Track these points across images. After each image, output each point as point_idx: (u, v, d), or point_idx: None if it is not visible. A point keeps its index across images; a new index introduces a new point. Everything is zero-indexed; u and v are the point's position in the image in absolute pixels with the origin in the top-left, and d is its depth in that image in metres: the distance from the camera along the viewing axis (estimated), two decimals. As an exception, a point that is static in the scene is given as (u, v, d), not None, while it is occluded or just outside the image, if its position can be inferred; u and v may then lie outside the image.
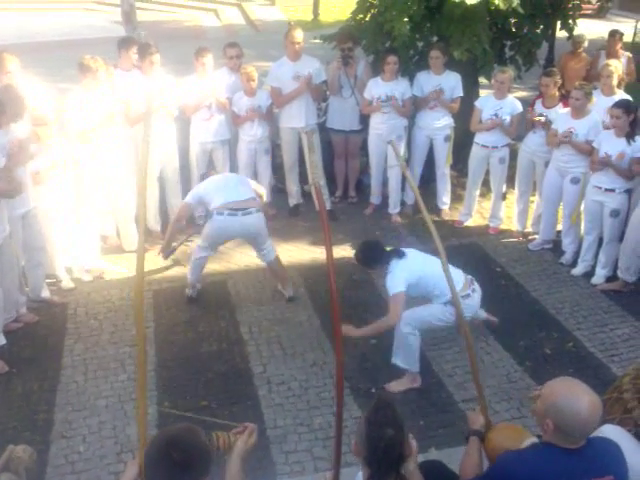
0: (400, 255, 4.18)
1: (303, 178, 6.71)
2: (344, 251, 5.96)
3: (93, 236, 5.60)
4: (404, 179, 6.69)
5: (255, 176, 6.57)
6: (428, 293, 4.18)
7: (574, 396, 2.19)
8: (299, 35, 6.22)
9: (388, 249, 4.33)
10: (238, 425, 2.55)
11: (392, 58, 6.14)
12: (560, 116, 5.67)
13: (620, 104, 5.14)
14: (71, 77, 6.00)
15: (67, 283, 5.42)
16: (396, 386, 4.31)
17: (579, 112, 5.49)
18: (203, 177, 5.44)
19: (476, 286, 4.26)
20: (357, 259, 4.42)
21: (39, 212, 4.88)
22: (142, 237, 2.52)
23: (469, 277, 4.25)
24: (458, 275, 4.10)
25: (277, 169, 7.01)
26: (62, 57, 10.33)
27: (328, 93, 6.84)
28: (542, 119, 5.76)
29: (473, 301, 4.21)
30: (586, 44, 8.04)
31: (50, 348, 4.69)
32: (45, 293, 5.17)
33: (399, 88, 6.25)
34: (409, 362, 4.27)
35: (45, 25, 16.50)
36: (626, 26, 12.34)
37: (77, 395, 4.24)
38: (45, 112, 4.96)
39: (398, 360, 4.27)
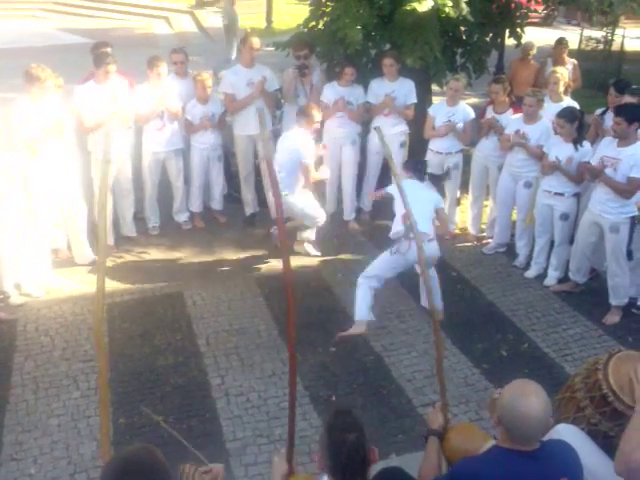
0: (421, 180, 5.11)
1: (259, 186, 6.68)
2: (302, 259, 5.94)
3: (43, 250, 5.44)
4: (359, 185, 6.73)
5: (208, 184, 6.53)
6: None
7: (521, 396, 2.23)
8: (257, 42, 6.22)
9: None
10: (207, 463, 2.44)
11: (349, 69, 6.21)
12: (512, 122, 5.80)
13: (562, 114, 5.28)
14: (16, 87, 5.83)
15: (16, 299, 5.23)
16: (345, 333, 4.77)
17: (531, 118, 5.62)
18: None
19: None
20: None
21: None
22: (103, 253, 2.46)
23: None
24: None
25: (232, 177, 6.97)
26: (7, 66, 10.02)
27: (283, 101, 6.83)
28: (492, 121, 5.88)
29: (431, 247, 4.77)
30: (535, 51, 8.24)
31: (-2, 366, 4.53)
32: (-8, 310, 4.99)
33: (354, 93, 6.31)
34: (358, 311, 4.78)
35: (-11, 32, 16.03)
36: (571, 34, 12.74)
37: (27, 415, 4.09)
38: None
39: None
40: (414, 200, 4.31)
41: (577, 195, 5.42)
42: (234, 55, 11.78)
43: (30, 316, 5.09)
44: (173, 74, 6.28)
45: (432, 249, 4.79)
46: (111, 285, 5.50)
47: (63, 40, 15.42)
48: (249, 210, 6.72)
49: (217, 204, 6.68)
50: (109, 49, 5.97)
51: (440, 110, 6.19)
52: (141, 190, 6.33)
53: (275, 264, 5.86)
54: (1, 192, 4.85)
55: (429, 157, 6.33)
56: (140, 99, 5.95)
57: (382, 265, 4.87)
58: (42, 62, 5.34)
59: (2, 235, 4.94)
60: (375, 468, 2.34)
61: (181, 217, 6.59)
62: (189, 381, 4.42)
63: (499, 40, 8.04)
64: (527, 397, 2.21)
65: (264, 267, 5.89)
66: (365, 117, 6.58)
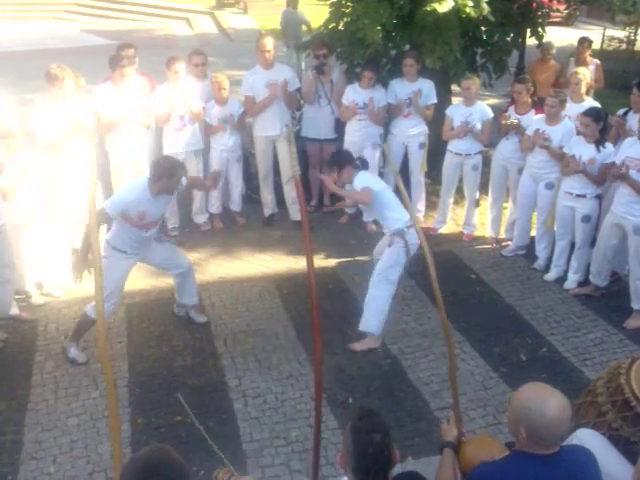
0: (365, 168, 4.80)
1: (278, 187, 6.69)
2: (319, 260, 5.94)
3: (64, 250, 5.50)
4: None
5: (227, 185, 6.56)
6: (382, 211, 4.66)
7: (541, 399, 2.21)
8: (269, 43, 6.22)
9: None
10: (230, 466, 2.46)
11: (368, 73, 6.20)
12: (534, 122, 5.73)
13: (589, 112, 5.21)
14: (39, 88, 5.89)
15: (37, 299, 5.30)
16: (359, 346, 4.74)
17: (553, 119, 5.55)
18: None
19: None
20: (330, 161, 4.82)
21: (8, 228, 4.77)
22: (98, 251, 2.51)
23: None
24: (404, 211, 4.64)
25: (252, 178, 6.99)
26: (30, 67, 10.15)
27: (302, 102, 6.83)
28: (514, 121, 5.81)
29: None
30: (554, 51, 8.16)
31: (19, 366, 4.57)
32: (14, 310, 5.04)
33: (376, 95, 6.29)
34: (373, 325, 4.66)
35: (13, 34, 16.27)
36: (594, 34, 12.58)
37: (47, 414, 4.13)
38: (9, 124, 4.84)
39: (364, 326, 4.67)
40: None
41: (599, 197, 5.35)
42: (294, 61, 10.40)
43: (51, 316, 5.15)
44: (192, 76, 6.31)
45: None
46: (130, 285, 5.52)
47: (86, 42, 15.61)
48: (268, 211, 6.74)
49: (236, 205, 6.70)
50: (132, 50, 6.03)
51: (457, 111, 6.15)
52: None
53: (293, 265, 5.87)
54: (23, 193, 4.91)
55: (448, 158, 6.31)
56: (159, 99, 6.00)
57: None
58: (65, 63, 5.40)
59: (23, 235, 5.00)
60: (393, 471, 2.33)
61: (200, 218, 6.63)
62: (207, 382, 4.44)
63: (520, 40, 7.95)
64: (549, 401, 2.21)
65: (282, 268, 5.90)
66: (385, 118, 6.56)
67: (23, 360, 4.64)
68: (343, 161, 4.72)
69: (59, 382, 4.42)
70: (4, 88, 5.67)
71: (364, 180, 4.63)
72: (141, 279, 5.69)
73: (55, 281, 5.43)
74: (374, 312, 4.66)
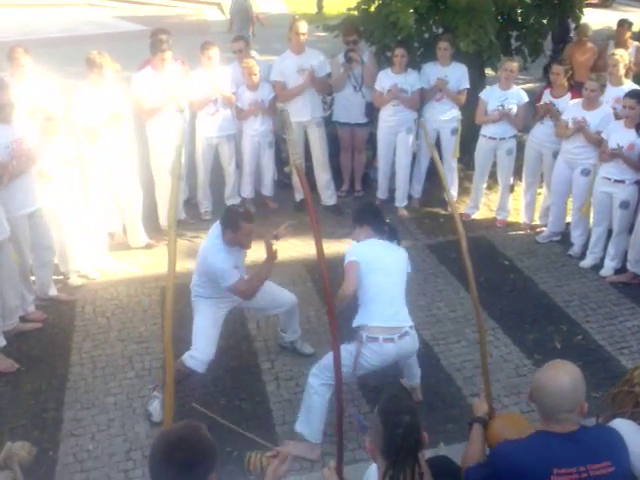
0: (391, 238, 3.86)
1: (309, 172, 6.69)
2: (348, 245, 5.92)
3: (100, 233, 5.60)
4: (412, 172, 6.67)
5: (259, 170, 6.59)
6: (359, 294, 3.66)
7: (549, 369, 2.32)
8: (304, 27, 6.19)
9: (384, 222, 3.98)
10: (271, 447, 2.51)
11: (400, 50, 6.11)
12: (571, 107, 5.61)
13: (634, 94, 5.08)
14: (74, 73, 5.99)
15: (75, 280, 5.41)
16: (292, 447, 3.59)
17: (591, 103, 5.43)
18: None
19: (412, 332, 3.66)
20: (355, 214, 4.07)
21: (46, 211, 4.87)
22: (173, 235, 2.57)
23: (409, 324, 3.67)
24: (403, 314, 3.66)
25: (283, 163, 7.00)
26: (65, 53, 10.30)
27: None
28: (549, 105, 5.71)
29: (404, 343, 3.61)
30: (590, 33, 7.95)
31: (58, 346, 4.68)
32: (53, 291, 5.16)
33: (409, 80, 6.22)
34: (309, 429, 3.69)
35: (47, 21, 16.45)
36: (632, 15, 12.23)
37: (86, 393, 4.24)
38: (54, 107, 4.93)
39: (299, 425, 3.73)
40: (388, 270, 3.47)
41: (638, 182, 5.23)
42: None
43: (88, 297, 5.25)
44: (235, 63, 6.31)
45: (411, 342, 3.68)
46: (164, 268, 5.61)
47: (118, 27, 15.71)
48: (299, 196, 6.74)
49: (268, 190, 6.73)
50: (166, 36, 6.07)
51: (493, 94, 6.06)
52: (194, 175, 6.43)
53: (325, 250, 5.84)
54: (60, 177, 4.99)
55: (481, 143, 6.23)
56: (194, 84, 6.03)
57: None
58: (99, 49, 5.46)
59: (61, 219, 5.10)
60: (423, 454, 2.34)
61: (232, 202, 6.66)
62: (240, 364, 4.50)
63: (556, 22, 7.76)
64: (555, 370, 2.29)
65: (314, 253, 5.88)
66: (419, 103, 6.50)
67: (62, 340, 4.75)
68: (366, 220, 3.94)
69: (96, 362, 4.53)
70: (46, 74, 5.76)
71: (358, 249, 3.82)
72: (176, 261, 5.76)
73: (92, 263, 5.53)
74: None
